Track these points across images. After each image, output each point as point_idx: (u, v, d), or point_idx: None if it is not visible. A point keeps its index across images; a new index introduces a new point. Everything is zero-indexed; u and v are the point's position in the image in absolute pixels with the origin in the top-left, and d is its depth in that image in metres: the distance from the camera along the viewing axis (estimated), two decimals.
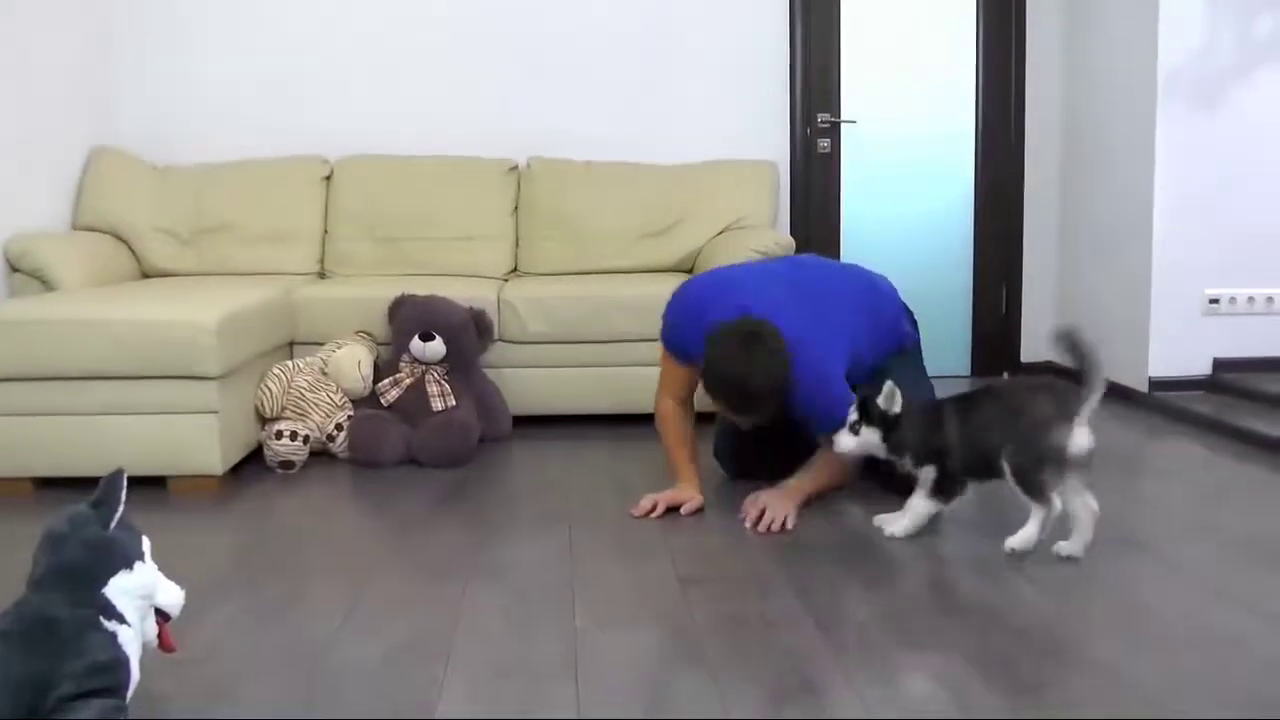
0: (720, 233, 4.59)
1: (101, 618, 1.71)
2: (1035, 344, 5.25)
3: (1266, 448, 3.63)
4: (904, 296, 3.33)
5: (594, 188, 4.71)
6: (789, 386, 2.81)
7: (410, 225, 4.62)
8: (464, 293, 4.00)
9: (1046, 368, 5.21)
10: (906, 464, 2.72)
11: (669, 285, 3.23)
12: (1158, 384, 4.38)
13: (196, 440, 3.25)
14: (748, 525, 2.86)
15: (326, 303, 4.07)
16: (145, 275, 4.52)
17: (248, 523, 3.06)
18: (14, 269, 3.92)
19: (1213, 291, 4.39)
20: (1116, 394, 4.58)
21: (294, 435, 3.51)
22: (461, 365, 3.83)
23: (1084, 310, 4.95)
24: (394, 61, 4.89)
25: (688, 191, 4.70)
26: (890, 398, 2.66)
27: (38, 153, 4.29)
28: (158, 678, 1.92)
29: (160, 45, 4.81)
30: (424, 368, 3.77)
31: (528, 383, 4.09)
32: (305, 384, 3.65)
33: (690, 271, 4.50)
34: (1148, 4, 4.35)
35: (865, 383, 2.85)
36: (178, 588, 1.90)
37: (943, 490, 2.69)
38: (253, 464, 3.55)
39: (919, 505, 2.71)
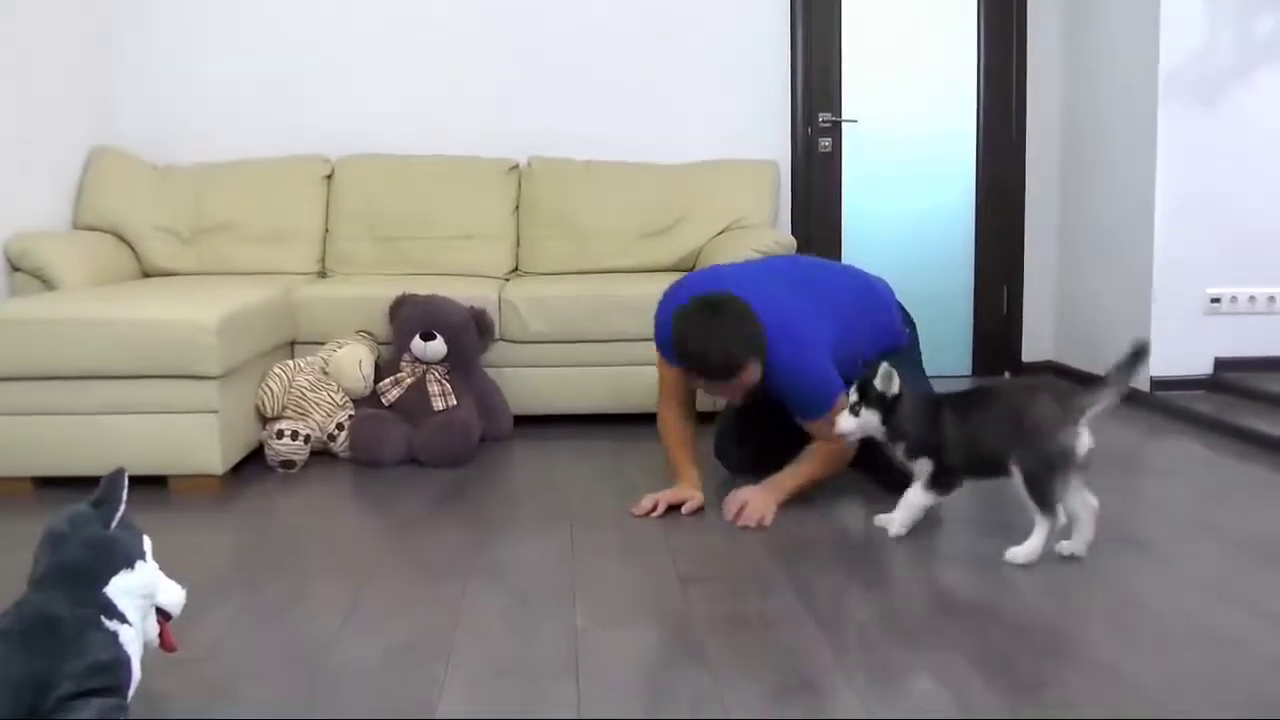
0: (721, 232, 4.59)
1: (102, 617, 1.71)
2: (1036, 343, 5.25)
3: (1268, 447, 3.63)
4: (905, 296, 3.34)
5: (595, 187, 4.71)
6: (759, 364, 2.85)
7: (411, 225, 4.62)
8: (465, 292, 4.00)
9: (1047, 367, 5.22)
10: (901, 452, 2.70)
11: (669, 285, 3.23)
12: (1159, 383, 4.37)
13: (197, 440, 3.25)
14: (728, 519, 2.88)
15: (327, 302, 4.07)
16: (146, 275, 4.52)
17: (248, 522, 3.06)
18: (15, 268, 3.92)
19: (1214, 291, 4.38)
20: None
21: (295, 435, 3.51)
22: (462, 365, 3.84)
23: (1085, 310, 4.96)
24: (395, 61, 4.90)
25: (688, 191, 4.70)
26: (887, 378, 2.65)
27: (38, 152, 4.29)
28: (159, 677, 1.92)
29: (161, 45, 4.82)
30: (425, 367, 3.77)
31: (528, 382, 4.10)
32: (306, 383, 3.65)
33: (691, 270, 4.50)
34: (1148, 3, 4.35)
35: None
36: (179, 587, 1.90)
37: (939, 484, 2.67)
38: (253, 463, 3.55)
39: (914, 498, 2.69)
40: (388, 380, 3.77)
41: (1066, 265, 5.14)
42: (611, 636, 2.16)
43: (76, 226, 4.47)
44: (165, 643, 1.88)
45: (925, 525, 2.76)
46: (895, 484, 2.82)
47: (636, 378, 3.85)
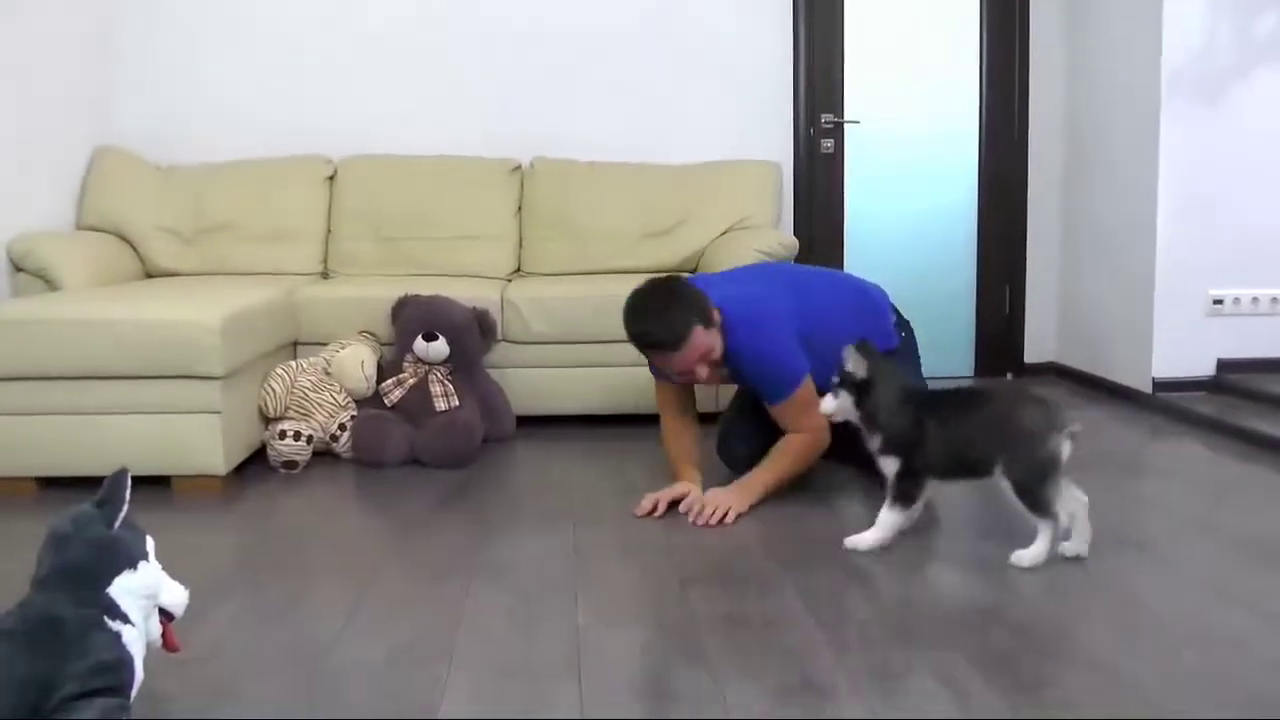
0: (723, 233, 4.59)
1: (105, 617, 1.72)
2: (1038, 344, 5.25)
3: (1270, 448, 3.63)
4: (907, 297, 3.36)
5: (597, 188, 4.72)
6: (708, 330, 2.92)
7: (414, 225, 4.62)
8: (467, 293, 4.00)
9: (1049, 368, 5.22)
10: (875, 444, 2.68)
11: None
12: (1161, 385, 4.37)
13: (200, 440, 3.25)
14: (690, 520, 2.90)
15: (330, 303, 4.08)
16: (149, 275, 4.53)
17: (251, 522, 3.06)
18: (18, 269, 3.93)
19: (1216, 292, 4.38)
20: (1120, 395, 4.59)
21: (297, 435, 3.52)
22: (465, 365, 3.84)
23: (1087, 311, 4.95)
24: (398, 61, 4.90)
25: (691, 192, 4.70)
26: (855, 360, 2.65)
27: (41, 153, 4.30)
28: (161, 677, 1.93)
29: (163, 45, 4.82)
30: (427, 368, 3.77)
31: (531, 383, 4.10)
32: (309, 384, 3.66)
33: (694, 272, 4.51)
34: (1150, 3, 4.35)
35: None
36: (181, 587, 1.90)
37: (903, 493, 2.64)
38: (256, 464, 3.56)
39: (885, 517, 2.66)
40: (390, 381, 3.77)
41: (1069, 266, 5.14)
42: (613, 636, 2.17)
43: (79, 227, 4.48)
44: (168, 643, 1.89)
45: (926, 526, 2.76)
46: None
47: (638, 378, 3.85)
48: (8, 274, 3.95)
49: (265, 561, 2.69)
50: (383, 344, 3.98)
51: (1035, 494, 2.49)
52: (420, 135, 4.84)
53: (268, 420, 3.61)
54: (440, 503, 3.19)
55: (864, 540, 2.67)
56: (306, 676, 2.00)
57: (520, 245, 4.72)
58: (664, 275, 3.06)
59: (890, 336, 3.23)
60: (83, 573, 1.74)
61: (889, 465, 2.66)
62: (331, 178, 4.74)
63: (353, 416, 3.69)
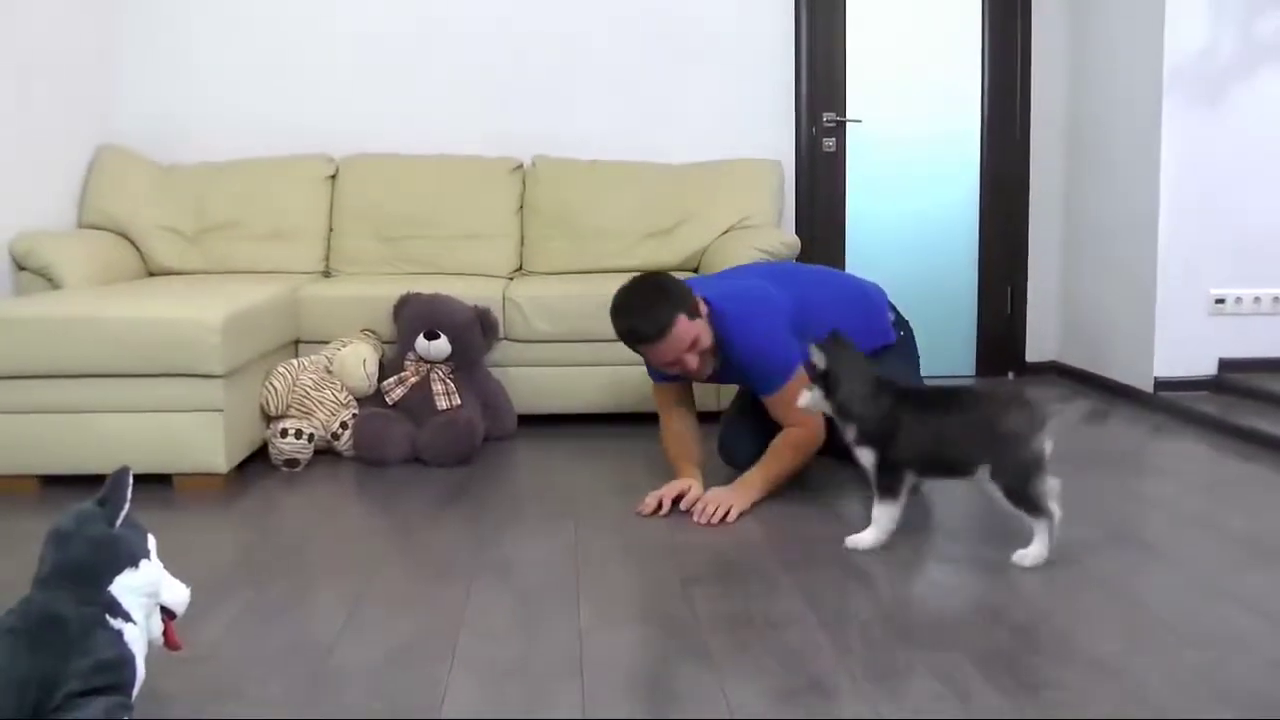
0: (725, 232, 4.59)
1: (107, 615, 1.72)
2: (1040, 344, 5.25)
3: (1272, 447, 3.63)
4: (908, 296, 3.37)
5: (599, 187, 4.72)
6: (693, 320, 2.95)
7: (415, 224, 4.63)
8: (469, 291, 4.00)
9: (1051, 367, 5.22)
10: (850, 435, 2.69)
11: None
12: (1163, 384, 4.37)
13: (201, 438, 3.25)
14: (694, 519, 2.91)
15: (331, 301, 4.08)
16: (150, 273, 4.53)
17: (252, 521, 3.06)
18: (20, 267, 3.93)
19: (1218, 291, 4.38)
20: (1121, 394, 4.59)
21: (299, 433, 3.52)
22: (466, 364, 3.84)
23: (1089, 310, 4.95)
24: (400, 60, 4.90)
25: (693, 190, 4.70)
26: (816, 353, 2.67)
27: (43, 151, 4.30)
28: (163, 676, 1.93)
29: (165, 45, 4.82)
30: (429, 366, 3.77)
31: (532, 381, 4.10)
32: (310, 382, 3.66)
33: (695, 271, 4.51)
34: (1152, 3, 4.34)
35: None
36: (183, 586, 1.90)
37: (885, 486, 2.65)
38: (257, 462, 3.56)
39: (879, 514, 2.67)
40: (392, 379, 3.77)
41: (1070, 266, 5.14)
42: (615, 636, 2.17)
43: (81, 225, 4.48)
44: (169, 641, 1.89)
45: (927, 526, 2.76)
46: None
47: (640, 377, 3.84)
48: (10, 272, 3.96)
49: (266, 560, 2.69)
50: (384, 342, 3.98)
51: (1026, 495, 2.49)
52: (422, 134, 4.84)
53: (269, 418, 3.61)
54: (442, 502, 3.19)
55: (864, 540, 2.67)
56: (307, 675, 2.00)
57: (522, 244, 4.73)
58: (646, 272, 3.11)
59: (886, 334, 3.24)
60: (84, 571, 1.74)
61: (865, 456, 2.67)
62: (333, 177, 4.74)
63: (354, 415, 3.69)
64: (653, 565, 2.60)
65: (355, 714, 1.86)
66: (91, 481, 2.01)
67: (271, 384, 3.58)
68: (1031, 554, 2.51)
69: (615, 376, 4.05)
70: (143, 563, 1.81)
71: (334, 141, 4.80)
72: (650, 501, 2.99)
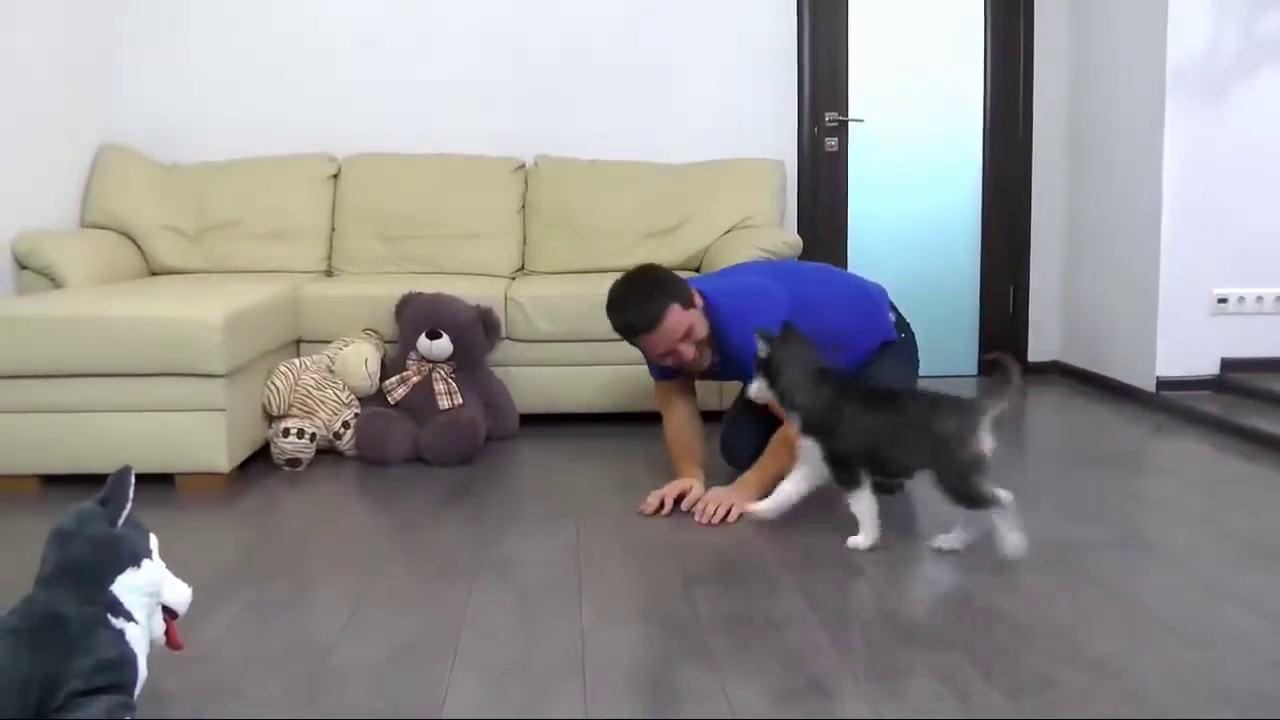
0: (727, 231, 4.59)
1: (109, 615, 1.72)
2: (1042, 343, 5.25)
3: (1274, 447, 3.63)
4: (910, 296, 3.37)
5: (601, 186, 4.72)
6: (686, 310, 2.97)
7: (417, 223, 4.63)
8: (471, 291, 4.00)
9: (1053, 366, 5.22)
10: (795, 426, 2.71)
11: None
12: (1165, 383, 4.37)
13: (203, 438, 3.26)
14: (696, 518, 2.91)
15: (333, 300, 4.08)
16: (152, 273, 4.54)
17: (254, 520, 3.06)
18: (22, 266, 3.94)
19: (1221, 291, 4.38)
20: (1124, 393, 4.59)
21: (300, 433, 3.52)
22: (468, 363, 3.84)
23: (1091, 310, 4.95)
24: (401, 60, 4.90)
25: (694, 190, 4.70)
26: (759, 342, 2.71)
27: (45, 151, 4.31)
28: (164, 675, 1.93)
29: (166, 44, 4.82)
30: (431, 366, 3.78)
31: (534, 381, 4.10)
32: (312, 382, 3.66)
33: (697, 270, 4.51)
34: (1155, 2, 4.34)
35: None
36: (185, 585, 1.90)
37: (843, 479, 2.67)
38: (259, 462, 3.56)
39: (857, 507, 2.68)
40: (394, 379, 3.78)
41: (1072, 265, 5.14)
42: (616, 635, 2.17)
43: (83, 225, 4.48)
44: (171, 641, 1.89)
45: (927, 527, 2.75)
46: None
47: (642, 377, 3.84)
48: (12, 272, 3.96)
49: (268, 559, 2.69)
50: (386, 342, 3.98)
51: (970, 494, 2.50)
52: (424, 134, 4.85)
53: (271, 418, 3.61)
54: (443, 501, 3.19)
55: (861, 541, 2.67)
56: (309, 675, 2.00)
57: (524, 243, 4.73)
58: (660, 273, 3.12)
59: (888, 333, 3.24)
60: (86, 570, 1.75)
61: (811, 450, 2.70)
62: (335, 176, 4.74)
63: (356, 414, 3.69)
64: (654, 565, 2.60)
65: (356, 713, 1.86)
66: (93, 481, 2.01)
67: (273, 383, 3.58)
68: (1010, 544, 2.51)
69: (617, 376, 4.05)
70: (144, 562, 1.81)
71: (336, 141, 4.80)
72: (652, 501, 3.00)
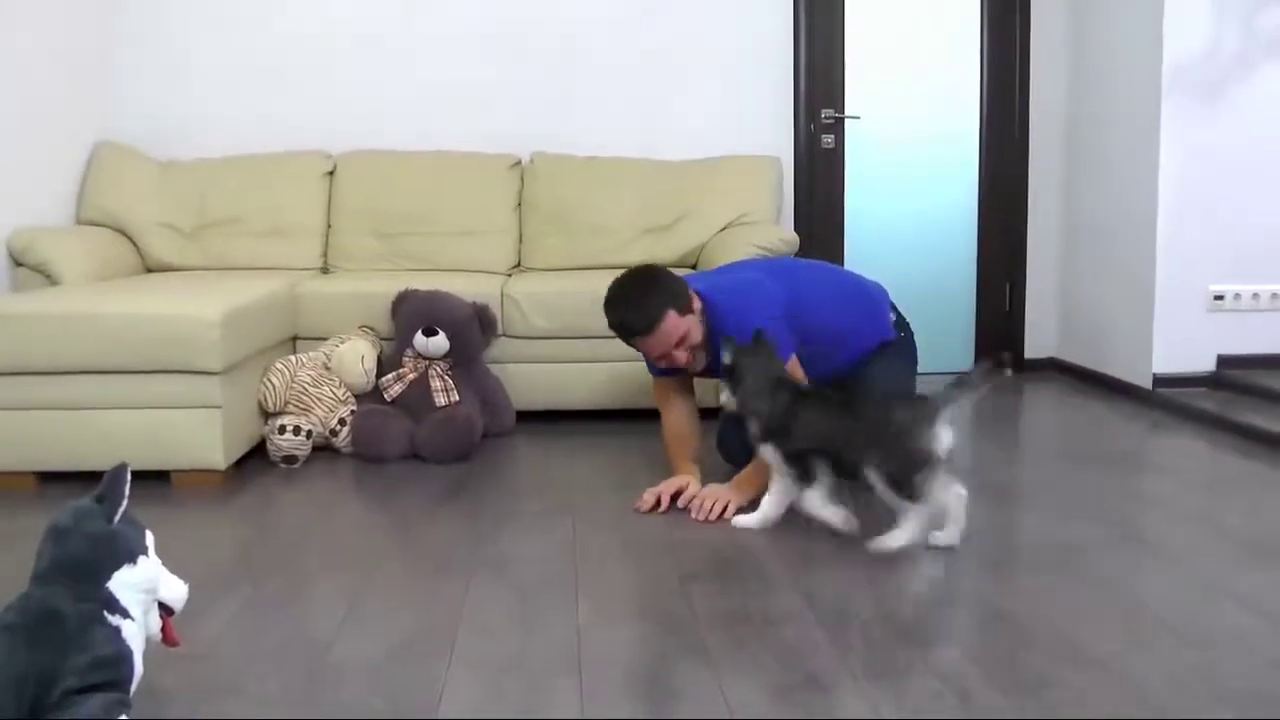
0: (724, 228, 4.59)
1: (105, 612, 1.72)
2: (1039, 341, 5.25)
3: (1270, 444, 3.63)
4: (908, 294, 3.37)
5: (597, 183, 4.71)
6: (683, 314, 2.96)
7: (413, 220, 4.62)
8: (467, 288, 4.00)
9: (1050, 364, 5.22)
10: (753, 431, 2.74)
11: None
12: (1162, 380, 4.37)
13: (199, 435, 3.25)
14: (693, 516, 2.92)
15: (330, 297, 4.07)
16: (149, 270, 4.52)
17: (250, 517, 3.06)
18: (18, 263, 3.93)
19: (1217, 288, 4.38)
20: (1120, 390, 4.59)
21: (297, 430, 3.51)
22: (465, 360, 3.84)
23: (1088, 307, 4.95)
24: (397, 57, 4.89)
25: (691, 187, 4.69)
26: (724, 351, 2.75)
27: (41, 148, 4.29)
28: (161, 672, 1.92)
29: (164, 41, 4.81)
30: (427, 363, 3.77)
31: (531, 378, 4.10)
32: (308, 379, 3.66)
33: (694, 267, 4.50)
34: (1151, 1, 4.33)
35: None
36: (181, 582, 1.90)
37: (797, 473, 2.71)
38: (256, 459, 3.56)
39: (811, 504, 2.70)
40: (390, 376, 3.77)
41: (1069, 263, 5.14)
42: (613, 633, 2.17)
43: (79, 222, 4.47)
44: (167, 638, 1.88)
45: (926, 527, 2.75)
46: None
47: (638, 373, 3.84)
48: (8, 268, 3.95)
49: (265, 556, 2.69)
50: (382, 339, 3.98)
51: (903, 483, 2.53)
52: (420, 130, 4.83)
53: (267, 415, 3.60)
54: (440, 498, 3.19)
55: (835, 524, 2.70)
56: (306, 672, 2.00)
57: (520, 240, 4.72)
58: (641, 265, 3.13)
59: (887, 331, 3.24)
60: (82, 567, 1.74)
61: (769, 455, 2.73)
62: (331, 173, 4.73)
63: (352, 411, 3.68)
64: (651, 562, 2.60)
65: (354, 710, 1.86)
66: (89, 478, 2.01)
67: (269, 380, 3.57)
68: (898, 537, 2.54)
69: (613, 372, 4.05)
70: (141, 559, 1.81)
71: (332, 138, 4.79)
72: (648, 498, 2.99)
